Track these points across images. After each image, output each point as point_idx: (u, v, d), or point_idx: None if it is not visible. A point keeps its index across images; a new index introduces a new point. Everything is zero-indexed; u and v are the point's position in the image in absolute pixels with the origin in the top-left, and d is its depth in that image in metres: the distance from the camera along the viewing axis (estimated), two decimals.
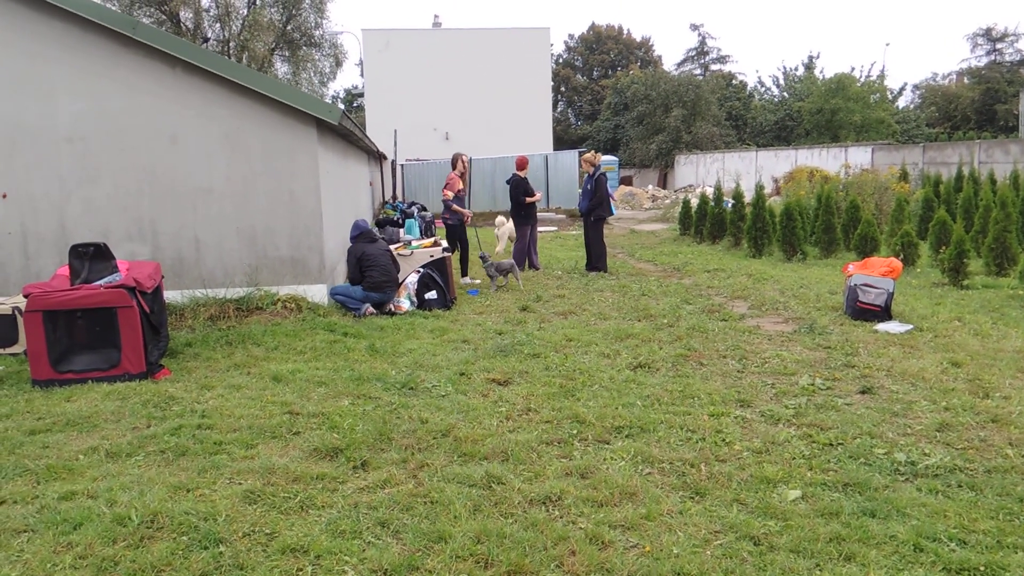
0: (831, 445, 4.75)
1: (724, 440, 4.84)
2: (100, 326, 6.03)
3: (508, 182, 12.44)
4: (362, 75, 45.52)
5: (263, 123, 8.20)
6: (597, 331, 7.79)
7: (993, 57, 43.46)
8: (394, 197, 25.33)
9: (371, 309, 8.46)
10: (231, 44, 34.56)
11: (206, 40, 33.86)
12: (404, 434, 4.92)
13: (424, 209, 18.59)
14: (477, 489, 4.13)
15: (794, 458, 4.56)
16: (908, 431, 4.98)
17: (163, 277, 7.24)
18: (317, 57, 45.12)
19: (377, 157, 22.50)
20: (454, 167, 11.52)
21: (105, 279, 6.15)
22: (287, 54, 39.98)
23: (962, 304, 9.07)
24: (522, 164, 12.34)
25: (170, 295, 8.04)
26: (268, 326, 7.76)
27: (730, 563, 3.39)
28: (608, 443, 4.83)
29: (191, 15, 34.46)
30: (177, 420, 5.13)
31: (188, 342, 7.21)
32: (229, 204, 8.29)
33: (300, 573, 3.30)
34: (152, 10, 32.34)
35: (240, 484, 4.17)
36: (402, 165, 28.00)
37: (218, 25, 35.75)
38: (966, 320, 8.10)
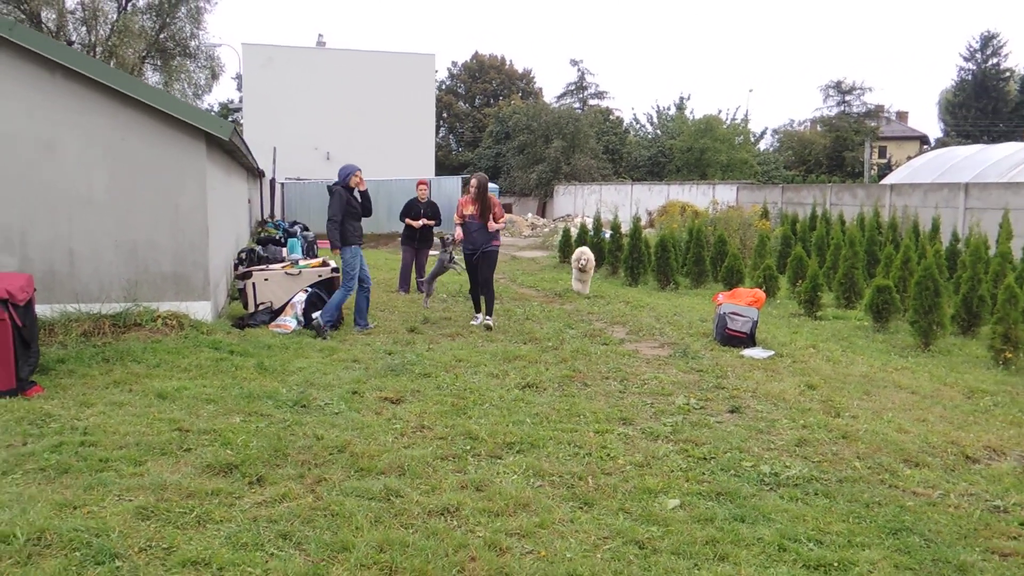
0: (705, 459, 5.14)
1: (609, 455, 5.14)
2: None
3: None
4: (239, 89, 44.27)
5: (149, 135, 7.98)
6: (485, 352, 8.01)
7: (843, 108, 47.19)
8: (272, 216, 24.79)
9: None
10: (98, 49, 32.90)
11: (70, 43, 32.08)
12: (299, 450, 4.95)
13: (306, 229, 18.37)
14: (376, 502, 4.23)
15: (672, 471, 4.91)
16: (771, 446, 5.45)
17: (35, 290, 6.91)
18: (192, 68, 43.51)
19: (256, 174, 22.02)
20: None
21: None
22: (159, 63, 38.44)
23: (816, 333, 9.88)
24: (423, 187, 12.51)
25: (40, 309, 7.63)
26: (148, 343, 7.51)
27: (618, 565, 3.65)
28: (500, 458, 5.03)
29: (54, 16, 32.62)
30: (56, 437, 4.94)
31: (60, 358, 6.89)
32: (109, 216, 7.99)
33: None
34: (10, 8, 30.37)
35: (131, 500, 4.09)
36: (282, 184, 27.48)
37: (84, 28, 34.00)
38: (820, 348, 8.85)
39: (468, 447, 5.18)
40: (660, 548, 3.85)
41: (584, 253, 12.36)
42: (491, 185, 12.88)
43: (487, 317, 9.57)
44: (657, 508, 4.32)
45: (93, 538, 3.60)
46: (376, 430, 5.41)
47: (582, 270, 12.36)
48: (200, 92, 43.55)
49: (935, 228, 15.18)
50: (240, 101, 49.88)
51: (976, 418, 6.32)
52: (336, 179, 8.98)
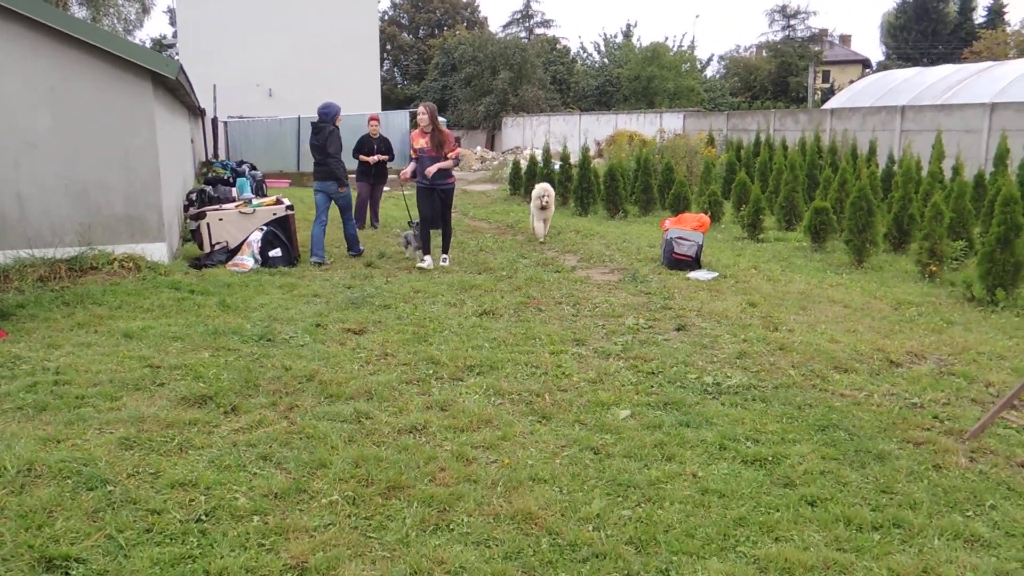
0: (653, 373, 5.51)
1: (564, 373, 5.48)
2: None
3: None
4: (172, 24, 42.52)
5: (94, 76, 7.86)
6: (442, 283, 8.25)
7: (787, 32, 47.39)
8: (216, 155, 24.30)
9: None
10: None
11: None
12: (270, 380, 5.17)
13: (254, 168, 18.15)
14: (348, 424, 4.50)
15: (623, 385, 5.27)
16: (714, 359, 5.85)
17: None
18: (121, 2, 41.68)
19: (197, 113, 21.49)
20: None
21: None
22: None
23: (758, 255, 10.32)
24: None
25: None
26: (107, 286, 7.56)
27: (575, 468, 4.01)
28: (462, 380, 5.33)
29: None
30: (29, 378, 5.07)
31: (20, 304, 6.92)
32: (57, 160, 7.91)
33: (193, 503, 3.56)
34: None
35: (112, 433, 4.28)
36: (225, 122, 26.85)
37: None
38: (761, 268, 9.29)
39: (431, 371, 5.46)
40: (613, 453, 4.20)
41: (546, 189, 11.18)
42: (439, 118, 12.79)
43: (444, 256, 9.37)
44: (609, 419, 4.67)
45: (82, 467, 3.81)
46: (342, 359, 5.65)
47: (543, 208, 11.29)
48: (131, 27, 41.83)
49: (872, 151, 15.71)
50: (174, 36, 48.02)
51: (901, 327, 6.81)
52: (318, 117, 9.62)
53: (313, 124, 9.66)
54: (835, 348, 6.10)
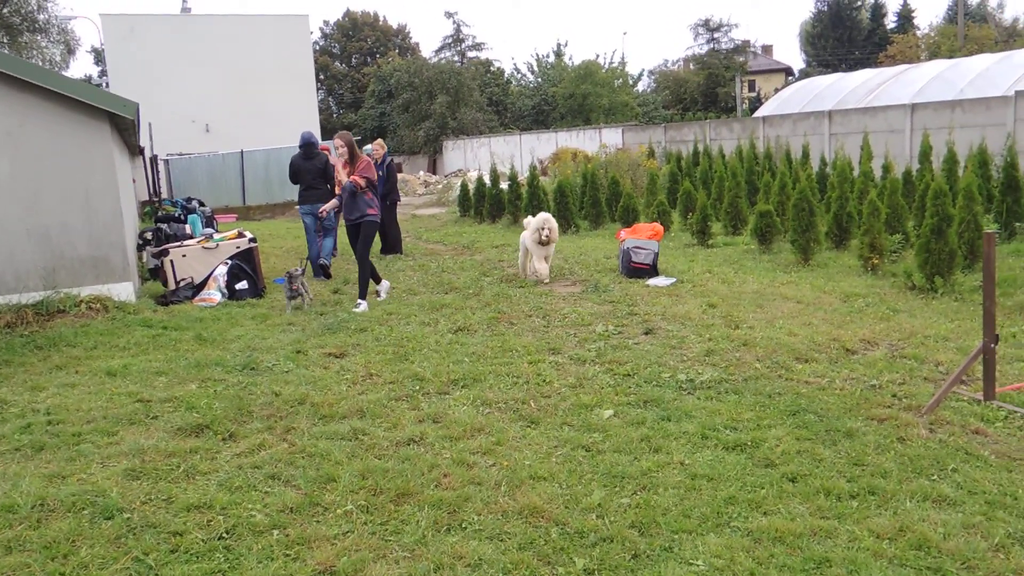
0: (629, 375, 5.79)
1: (544, 380, 5.72)
2: None
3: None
4: (97, 63, 41.74)
5: (51, 120, 7.88)
6: (412, 304, 8.43)
7: (712, 45, 48.89)
8: (157, 193, 23.97)
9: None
10: None
11: None
12: (262, 406, 5.29)
13: (203, 204, 18.05)
14: (347, 441, 4.66)
15: (603, 387, 5.54)
16: (684, 358, 6.16)
17: None
18: (44, 44, 40.84)
19: (137, 152, 21.22)
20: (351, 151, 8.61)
21: None
22: (5, 39, 35.94)
23: (710, 259, 10.75)
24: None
25: None
26: (77, 327, 7.55)
27: (571, 465, 4.25)
28: (448, 393, 5.53)
29: None
30: (20, 420, 5.10)
31: None
32: (18, 205, 7.88)
33: (212, 523, 3.69)
34: None
35: (116, 466, 4.37)
36: (165, 160, 26.54)
37: None
38: (715, 272, 9.70)
39: (417, 387, 5.65)
40: (603, 449, 4.46)
41: (547, 220, 9.29)
42: (385, 147, 12.89)
43: (359, 301, 8.36)
44: (595, 419, 4.93)
45: (95, 499, 3.91)
46: (328, 382, 5.80)
47: (544, 242, 9.28)
48: (57, 68, 40.98)
49: (805, 155, 16.41)
50: (100, 76, 47.20)
51: (852, 317, 7.24)
52: (304, 142, 10.66)
53: (304, 149, 10.51)
54: (794, 341, 6.47)
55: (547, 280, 9.39)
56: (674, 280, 9.13)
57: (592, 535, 3.49)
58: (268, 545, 3.48)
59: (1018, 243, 10.14)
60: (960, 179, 11.05)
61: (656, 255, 9.55)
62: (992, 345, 4.75)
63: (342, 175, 8.52)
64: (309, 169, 10.52)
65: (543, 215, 9.45)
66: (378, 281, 8.96)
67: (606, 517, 3.65)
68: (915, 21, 51.13)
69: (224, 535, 3.58)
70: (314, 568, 3.27)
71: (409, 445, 4.59)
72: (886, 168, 12.76)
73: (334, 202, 8.92)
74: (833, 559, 3.21)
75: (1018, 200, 10.64)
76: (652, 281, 9.12)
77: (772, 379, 5.56)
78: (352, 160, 8.47)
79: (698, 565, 3.23)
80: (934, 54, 37.95)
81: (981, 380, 4.97)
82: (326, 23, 57.01)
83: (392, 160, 12.64)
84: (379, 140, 12.76)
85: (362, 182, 8.34)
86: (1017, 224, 10.52)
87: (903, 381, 5.39)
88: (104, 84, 40.50)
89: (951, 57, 28.06)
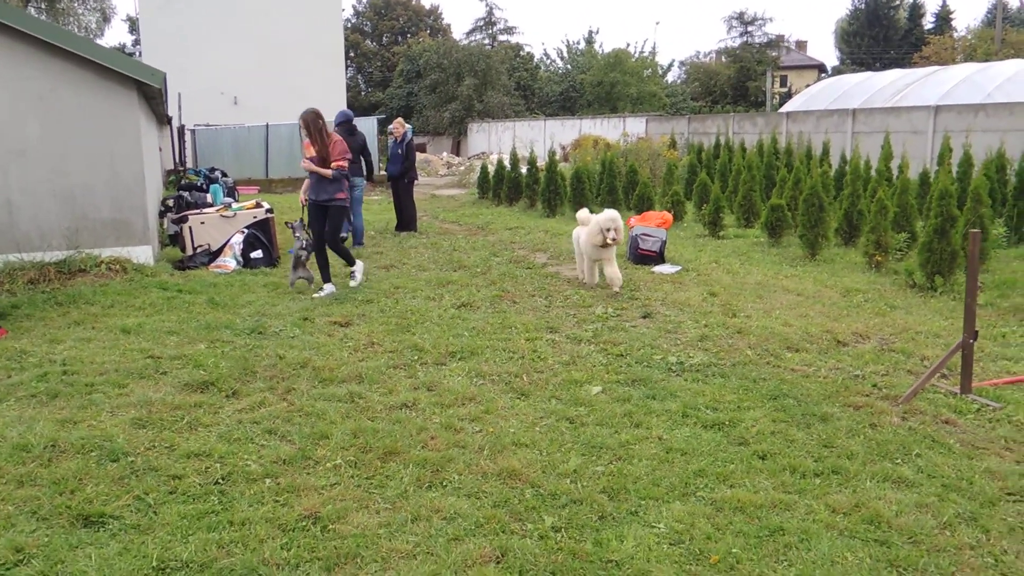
0: (622, 355, 5.97)
1: (539, 357, 5.92)
2: None
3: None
4: (131, 32, 42.19)
5: (81, 85, 8.16)
6: (420, 280, 8.65)
7: (745, 39, 48.49)
8: (184, 163, 24.35)
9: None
10: None
11: None
12: (266, 368, 5.54)
13: (225, 175, 18.38)
14: (343, 403, 4.89)
15: (595, 366, 5.72)
16: (678, 342, 6.33)
17: None
18: (80, 11, 41.41)
19: (165, 121, 21.59)
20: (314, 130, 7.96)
21: None
22: (43, 5, 36.51)
23: (719, 250, 10.86)
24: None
25: None
26: (96, 287, 7.85)
27: (553, 435, 4.44)
28: (445, 364, 5.74)
29: None
30: (38, 369, 5.39)
31: (14, 304, 7.19)
32: (45, 166, 8.19)
33: (209, 469, 3.93)
34: None
35: (124, 415, 4.63)
36: (191, 131, 26.92)
37: None
38: (721, 262, 9.82)
39: (416, 357, 5.87)
40: (587, 422, 4.65)
41: (614, 221, 7.92)
42: (406, 126, 13.11)
43: (325, 285, 7.96)
44: (583, 394, 5.12)
45: (102, 443, 4.17)
46: (331, 348, 6.03)
47: (607, 245, 7.94)
48: (91, 36, 41.53)
49: (825, 151, 16.42)
50: (134, 44, 47.68)
51: (849, 312, 7.36)
52: (343, 120, 11.22)
53: (346, 126, 11.12)
54: (788, 331, 6.61)
55: (618, 288, 7.99)
56: (679, 268, 9.27)
57: (564, 497, 3.69)
58: (260, 491, 3.71)
59: None
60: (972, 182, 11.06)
61: (664, 243, 9.69)
62: (971, 341, 4.87)
63: (310, 152, 7.92)
64: (351, 146, 10.83)
65: (609, 212, 8.03)
66: (326, 279, 8.12)
67: (579, 482, 3.85)
68: (953, 23, 50.40)
69: (220, 481, 3.82)
70: (300, 513, 3.50)
71: (402, 409, 4.81)
72: (901, 168, 12.76)
73: (309, 181, 8.05)
74: (787, 528, 3.38)
75: None
76: (657, 268, 9.27)
77: (760, 365, 5.72)
78: (321, 139, 7.83)
79: (659, 528, 3.42)
80: (969, 57, 37.46)
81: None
82: (359, 1, 57.10)
83: (412, 140, 12.84)
84: (399, 119, 12.95)
85: (329, 173, 7.81)
86: None
87: (886, 372, 5.52)
88: (137, 53, 40.96)
89: (986, 61, 27.73)
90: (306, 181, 8.13)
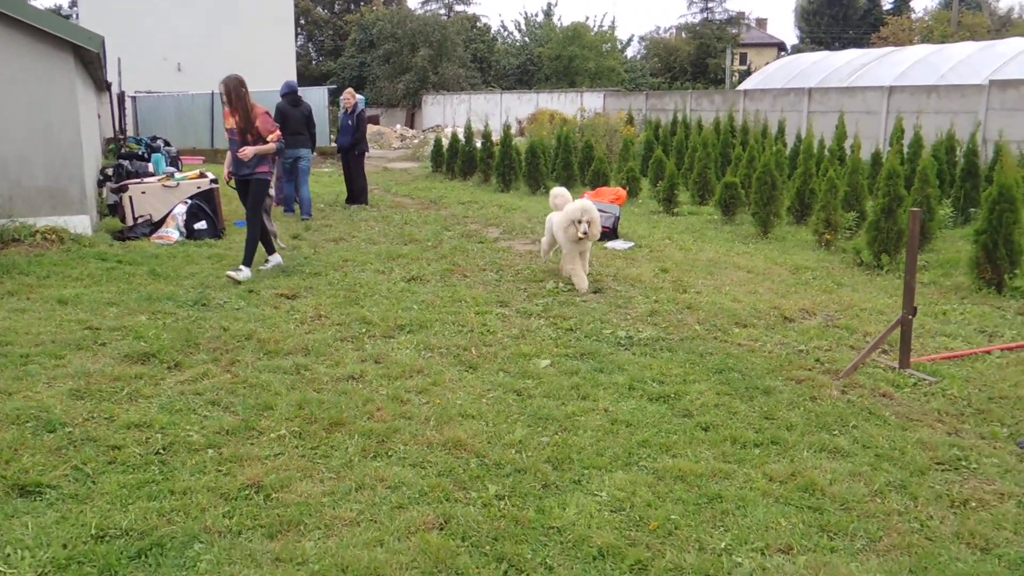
0: (571, 329, 6.00)
1: (489, 330, 5.91)
2: None
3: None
4: None
5: (12, 49, 7.81)
6: (370, 253, 8.56)
7: (706, 15, 48.65)
8: (124, 131, 23.59)
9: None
10: None
11: None
12: (209, 340, 5.44)
13: (168, 144, 17.92)
14: (288, 375, 4.84)
15: (544, 340, 5.74)
16: (628, 317, 6.38)
17: None
18: None
19: (104, 87, 20.86)
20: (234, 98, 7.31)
21: None
22: None
23: (672, 227, 10.95)
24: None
25: None
26: (31, 257, 7.59)
27: (500, 407, 4.45)
28: (393, 337, 5.70)
29: None
30: None
31: None
32: None
33: (150, 440, 3.85)
34: None
35: (62, 386, 4.51)
36: (132, 98, 26.09)
37: None
38: (674, 239, 9.90)
39: (363, 330, 5.81)
40: (534, 394, 4.67)
41: (588, 212, 7.09)
42: (358, 96, 12.90)
43: (241, 266, 7.31)
44: (531, 367, 5.13)
45: (39, 414, 4.05)
46: (277, 320, 5.94)
47: (580, 237, 7.11)
48: None
49: (781, 130, 16.61)
50: (71, 7, 45.95)
51: (797, 289, 7.49)
52: (287, 90, 11.29)
53: (290, 97, 11.17)
54: (737, 307, 6.70)
55: (585, 288, 7.13)
56: (632, 244, 9.32)
57: (508, 467, 3.70)
58: (202, 461, 3.66)
59: (972, 227, 10.42)
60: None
61: (617, 219, 9.73)
62: (910, 317, 4.99)
63: (230, 122, 7.37)
64: (296, 116, 11.04)
65: (582, 202, 7.29)
66: (270, 251, 7.82)
67: (524, 452, 3.86)
68: (911, 4, 51.25)
69: (161, 451, 3.75)
70: (243, 482, 3.46)
71: (348, 381, 4.77)
72: (853, 148, 12.97)
73: (253, 149, 7.29)
74: (725, 496, 3.45)
75: (976, 186, 10.92)
76: (610, 244, 9.30)
77: (707, 340, 5.79)
78: (243, 108, 7.26)
79: (601, 496, 3.45)
80: (926, 38, 38.11)
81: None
82: None
83: (364, 111, 12.64)
84: (349, 89, 12.75)
85: (272, 148, 7.42)
86: (972, 210, 10.81)
87: (829, 348, 5.64)
88: (74, 16, 39.48)
89: (943, 42, 28.24)
90: (228, 155, 7.56)
